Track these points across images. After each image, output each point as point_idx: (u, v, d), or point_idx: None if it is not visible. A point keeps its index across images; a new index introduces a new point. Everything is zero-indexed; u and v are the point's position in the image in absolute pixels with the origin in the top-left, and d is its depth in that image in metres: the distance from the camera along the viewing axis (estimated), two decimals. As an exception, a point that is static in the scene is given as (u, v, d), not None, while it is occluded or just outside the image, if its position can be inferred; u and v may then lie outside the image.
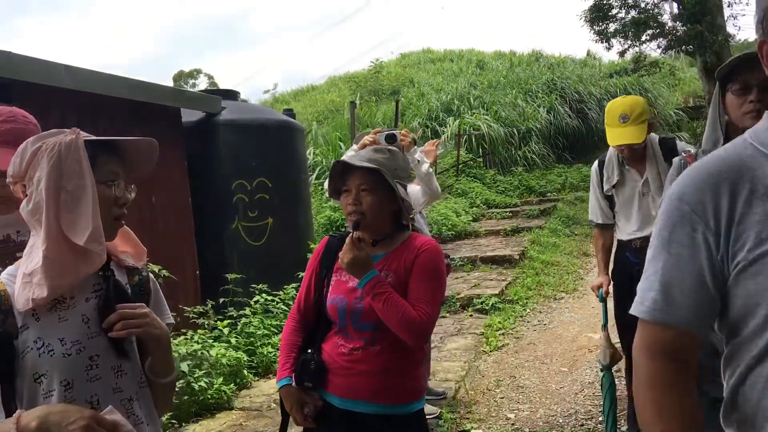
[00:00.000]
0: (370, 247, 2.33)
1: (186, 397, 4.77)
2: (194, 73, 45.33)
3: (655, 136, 3.61)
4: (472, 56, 26.68)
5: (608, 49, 13.40)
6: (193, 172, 6.79)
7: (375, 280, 2.18)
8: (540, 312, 7.53)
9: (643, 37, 12.85)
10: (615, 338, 3.93)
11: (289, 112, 8.22)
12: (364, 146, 3.88)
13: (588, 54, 25.82)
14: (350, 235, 2.24)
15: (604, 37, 13.22)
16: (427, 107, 18.21)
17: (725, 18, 12.34)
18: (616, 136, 3.48)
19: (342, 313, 2.28)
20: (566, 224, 12.05)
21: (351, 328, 2.28)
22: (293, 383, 2.33)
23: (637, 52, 13.80)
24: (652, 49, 13.43)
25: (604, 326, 3.81)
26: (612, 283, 3.85)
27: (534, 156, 16.68)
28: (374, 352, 2.24)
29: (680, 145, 3.58)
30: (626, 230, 3.70)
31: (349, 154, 4.19)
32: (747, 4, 12.29)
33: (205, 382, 4.87)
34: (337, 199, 2.42)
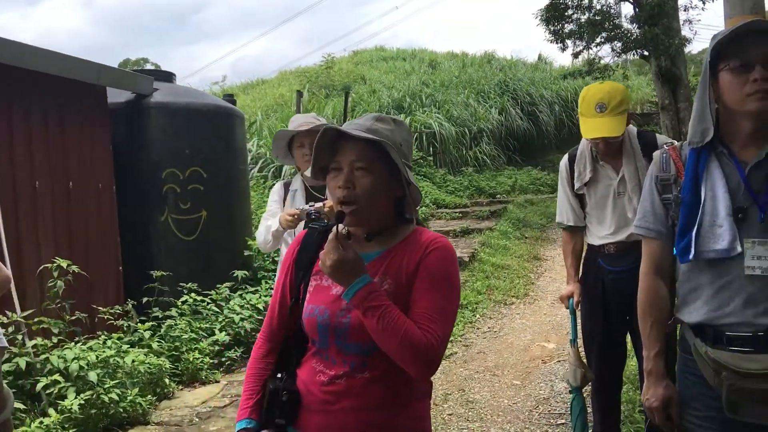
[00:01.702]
0: (362, 243, 1.80)
1: (93, 411, 4.19)
2: (141, 62, 43.92)
3: (633, 129, 3.21)
4: (424, 56, 26.63)
5: (563, 50, 13.19)
6: (119, 157, 6.17)
7: (366, 290, 1.62)
8: (490, 318, 7.15)
9: (598, 39, 12.65)
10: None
11: (230, 98, 7.65)
12: (286, 220, 3.39)
13: (539, 58, 25.98)
14: (334, 228, 1.68)
15: (559, 37, 12.97)
16: (378, 104, 17.77)
17: (681, 22, 12.23)
18: (592, 127, 3.05)
19: (322, 329, 1.73)
20: (517, 227, 11.76)
21: (334, 350, 1.73)
22: (256, 426, 1.80)
23: (591, 55, 13.64)
24: (606, 53, 13.27)
25: (573, 341, 3.38)
26: (582, 292, 3.43)
27: (485, 157, 16.41)
28: (363, 382, 1.70)
29: (660, 138, 3.20)
30: (598, 233, 3.28)
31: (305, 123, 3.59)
32: (703, 9, 12.22)
33: (117, 394, 4.29)
34: (322, 179, 1.83)
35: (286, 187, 3.71)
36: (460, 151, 16.22)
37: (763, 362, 1.80)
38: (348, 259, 1.63)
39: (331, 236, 1.66)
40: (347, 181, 1.71)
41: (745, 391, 1.82)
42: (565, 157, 3.40)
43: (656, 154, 2.11)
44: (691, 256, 1.89)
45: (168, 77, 6.98)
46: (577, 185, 3.29)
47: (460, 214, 12.66)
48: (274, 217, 3.62)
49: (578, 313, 3.45)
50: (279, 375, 1.82)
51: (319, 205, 3.30)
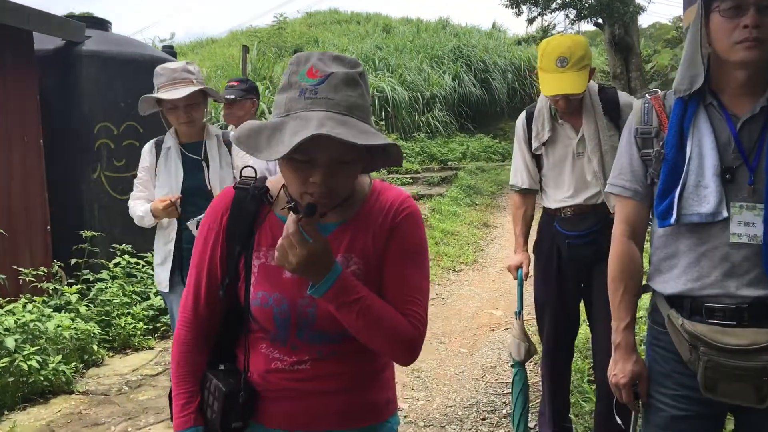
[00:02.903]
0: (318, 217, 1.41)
1: (11, 379, 3.88)
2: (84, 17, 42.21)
3: (594, 85, 3.00)
4: (379, 20, 26.32)
5: (518, 15, 13.01)
6: (48, 109, 5.73)
7: (340, 284, 1.34)
8: (438, 284, 7.00)
9: (553, 6, 12.50)
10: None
11: (170, 50, 7.21)
12: (159, 209, 3.11)
13: (494, 26, 25.90)
14: (291, 215, 1.33)
15: (514, 2, 12.79)
16: (330, 65, 17.38)
17: (636, -10, 12.17)
18: (552, 83, 2.83)
19: (282, 321, 1.45)
20: (467, 194, 11.65)
21: (296, 340, 1.47)
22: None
23: (545, 22, 13.52)
24: (561, 21, 13.16)
25: (519, 314, 3.20)
26: (535, 259, 3.26)
27: (437, 123, 16.24)
28: (331, 364, 1.48)
29: (623, 95, 3.01)
30: (555, 197, 3.08)
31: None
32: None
33: (38, 361, 3.99)
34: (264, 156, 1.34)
35: (158, 146, 3.30)
36: (412, 117, 16.01)
37: (745, 337, 1.63)
38: (318, 251, 1.31)
39: (290, 223, 1.31)
40: (328, 177, 1.34)
41: (725, 368, 1.64)
42: (522, 114, 3.18)
43: (636, 103, 1.89)
44: (672, 220, 1.70)
45: (102, 24, 6.50)
46: (534, 145, 3.09)
47: (411, 180, 12.49)
48: (144, 192, 3.30)
49: (526, 284, 3.28)
50: (222, 367, 1.55)
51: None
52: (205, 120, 3.37)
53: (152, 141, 3.35)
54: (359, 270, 1.45)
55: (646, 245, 1.96)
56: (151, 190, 3.30)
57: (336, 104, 1.33)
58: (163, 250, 3.29)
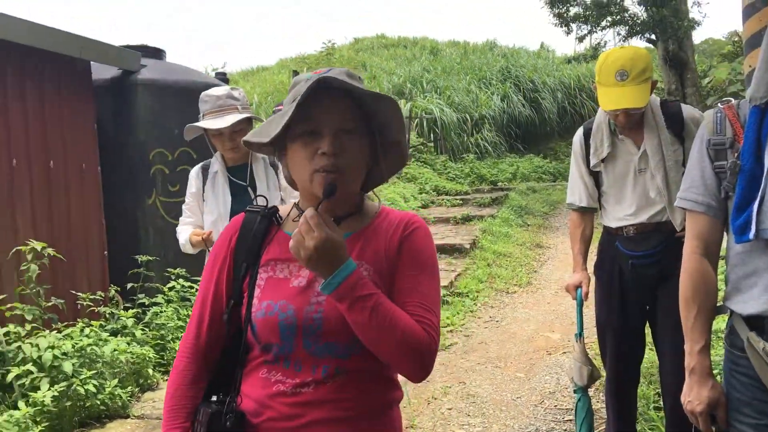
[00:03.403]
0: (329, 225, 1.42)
1: (69, 404, 3.92)
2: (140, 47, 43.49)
3: (656, 99, 2.89)
4: (425, 43, 26.46)
5: (567, 33, 12.88)
6: (105, 137, 5.87)
7: (355, 276, 1.30)
8: (492, 307, 6.88)
9: (603, 23, 12.33)
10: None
11: (222, 77, 7.34)
12: (195, 241, 3.11)
13: (542, 46, 25.75)
14: (315, 206, 1.33)
15: (563, 21, 12.66)
16: (378, 89, 17.49)
17: (689, 4, 11.90)
18: (612, 98, 2.73)
19: (286, 329, 1.38)
20: (519, 214, 11.49)
21: (300, 353, 1.39)
22: None
23: (595, 40, 13.34)
24: (610, 39, 12.98)
25: (579, 336, 3.08)
26: (596, 279, 3.14)
27: (486, 144, 16.15)
28: (335, 389, 1.38)
29: (687, 108, 2.89)
30: (616, 214, 2.97)
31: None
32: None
33: (95, 385, 4.02)
34: (261, 151, 1.53)
35: (205, 170, 3.28)
36: (461, 138, 15.96)
37: None
38: (334, 238, 1.28)
39: (309, 213, 1.30)
40: (335, 145, 1.37)
41: None
42: (580, 130, 3.09)
43: (708, 113, 1.79)
44: (751, 235, 1.58)
45: (157, 53, 6.66)
46: (593, 162, 2.99)
47: (461, 201, 12.40)
48: (192, 218, 3.30)
49: (586, 305, 3.16)
50: (214, 398, 1.47)
51: None
52: None
53: (199, 166, 3.33)
54: (370, 277, 1.41)
55: (721, 262, 1.85)
56: (199, 215, 3.29)
57: (335, 78, 1.37)
58: None
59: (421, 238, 1.48)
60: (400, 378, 1.44)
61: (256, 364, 1.45)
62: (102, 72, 5.97)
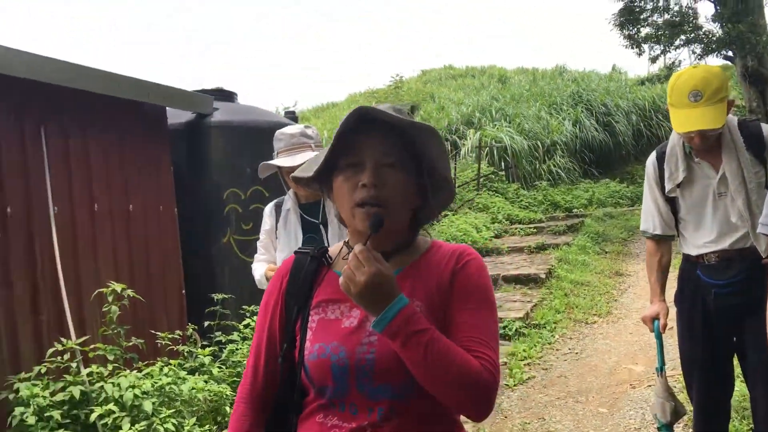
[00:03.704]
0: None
1: (149, 443, 3.99)
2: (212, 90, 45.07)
3: (733, 119, 2.76)
4: (493, 72, 26.46)
5: (639, 55, 12.58)
6: (180, 178, 6.06)
7: (407, 313, 1.26)
8: (570, 338, 6.67)
9: (677, 42, 11.99)
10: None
11: (292, 115, 7.49)
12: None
13: (613, 69, 25.25)
14: (364, 241, 1.32)
15: (634, 42, 12.39)
16: (447, 119, 17.54)
17: (767, 18, 11.44)
18: (685, 120, 2.62)
19: (339, 371, 1.36)
20: (596, 241, 11.17)
21: (355, 396, 1.35)
22: None
23: (669, 59, 12.98)
24: (685, 58, 12.61)
25: (661, 370, 2.93)
26: (678, 311, 2.98)
27: (559, 170, 15.87)
28: (393, 430, 1.33)
29: (766, 128, 2.75)
30: (696, 242, 2.83)
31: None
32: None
33: (174, 424, 4.07)
34: (317, 185, 1.51)
35: (278, 207, 3.32)
36: (533, 165, 15.76)
37: None
38: (385, 273, 1.26)
39: (358, 248, 1.28)
40: (375, 177, 1.35)
41: None
42: (653, 154, 2.97)
43: None
44: None
45: (229, 96, 6.86)
46: (668, 187, 2.86)
47: (535, 230, 12.18)
48: (266, 255, 3.31)
49: (667, 337, 3.00)
50: None
51: None
52: None
53: (272, 203, 3.37)
54: (422, 312, 1.35)
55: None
56: (273, 252, 3.31)
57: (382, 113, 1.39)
58: None
59: (474, 270, 1.42)
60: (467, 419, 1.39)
61: (312, 408, 1.42)
62: (177, 116, 6.19)
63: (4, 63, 4.23)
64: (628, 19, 12.12)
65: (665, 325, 2.97)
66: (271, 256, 3.33)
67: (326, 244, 3.06)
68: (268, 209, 3.37)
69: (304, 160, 3.02)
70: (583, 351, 6.23)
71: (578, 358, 6.03)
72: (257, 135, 6.37)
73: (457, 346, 1.29)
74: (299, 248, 1.58)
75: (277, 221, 3.30)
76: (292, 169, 3.12)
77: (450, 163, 1.43)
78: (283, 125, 6.76)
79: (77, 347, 4.21)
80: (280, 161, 3.13)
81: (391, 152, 1.39)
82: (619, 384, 5.20)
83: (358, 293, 1.26)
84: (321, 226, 3.20)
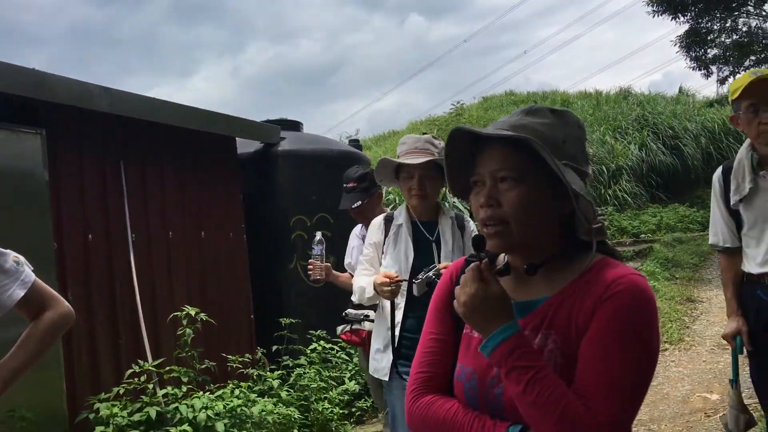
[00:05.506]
0: (524, 280, 1.37)
1: (221, 463, 4.08)
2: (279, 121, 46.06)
3: None
4: (555, 97, 26.09)
5: (707, 76, 12.34)
6: (249, 206, 6.25)
7: (513, 343, 1.21)
8: (641, 366, 6.49)
9: (747, 62, 11.72)
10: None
11: (355, 144, 7.63)
12: (383, 290, 2.89)
13: (680, 91, 24.66)
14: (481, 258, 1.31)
15: (701, 63, 12.18)
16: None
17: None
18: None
19: (471, 399, 1.33)
20: (665, 267, 10.88)
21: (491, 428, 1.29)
22: None
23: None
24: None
25: (734, 382, 2.88)
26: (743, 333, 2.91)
27: (625, 195, 15.53)
28: None
29: None
30: (758, 259, 2.76)
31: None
32: None
33: (244, 445, 4.18)
34: (463, 197, 1.46)
35: (388, 221, 3.14)
36: (598, 190, 15.46)
37: None
38: (490, 294, 1.23)
39: (471, 266, 1.27)
40: (489, 197, 1.31)
41: None
42: (719, 169, 2.94)
43: None
44: None
45: (295, 126, 7.05)
46: (733, 200, 2.80)
47: (602, 256, 11.94)
48: (370, 270, 3.13)
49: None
50: None
51: (442, 266, 2.71)
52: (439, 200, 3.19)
53: (381, 216, 3.24)
54: (556, 348, 1.26)
55: None
56: (377, 268, 3.15)
57: (503, 122, 1.38)
58: (384, 336, 3.09)
59: (618, 306, 1.22)
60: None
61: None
62: (246, 146, 6.39)
63: (87, 97, 4.49)
64: (694, 40, 11.92)
65: (748, 341, 2.88)
66: (374, 272, 3.15)
67: (436, 264, 2.88)
68: (377, 222, 3.23)
69: (422, 161, 2.90)
70: (655, 378, 6.01)
71: (650, 386, 5.87)
72: (323, 162, 6.54)
73: (566, 391, 1.19)
74: (469, 255, 1.48)
75: (385, 236, 3.15)
76: (410, 171, 2.99)
77: (575, 174, 1.32)
78: (348, 153, 6.94)
79: (153, 369, 4.37)
80: (402, 159, 3.00)
81: (506, 166, 1.31)
82: (693, 413, 5.04)
83: (462, 313, 1.26)
84: (434, 244, 3.05)
